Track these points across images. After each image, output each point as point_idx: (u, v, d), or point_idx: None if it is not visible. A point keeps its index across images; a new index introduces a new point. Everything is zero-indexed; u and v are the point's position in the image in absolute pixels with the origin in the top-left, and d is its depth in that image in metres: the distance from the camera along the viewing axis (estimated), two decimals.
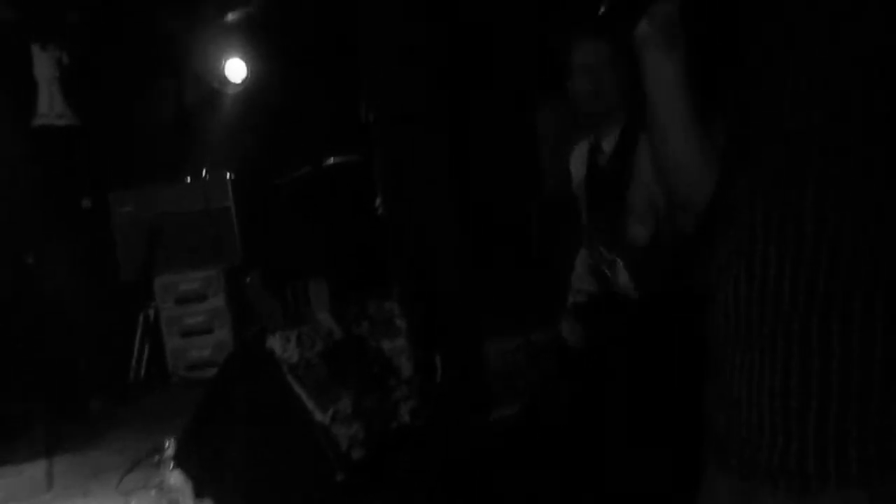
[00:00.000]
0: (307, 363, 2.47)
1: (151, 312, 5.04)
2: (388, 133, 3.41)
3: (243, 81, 6.00)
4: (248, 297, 5.27)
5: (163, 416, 4.33)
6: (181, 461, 2.53)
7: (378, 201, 3.48)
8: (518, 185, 5.44)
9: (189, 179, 5.30)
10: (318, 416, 2.38)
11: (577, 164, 2.43)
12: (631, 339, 2.14)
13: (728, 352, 1.06)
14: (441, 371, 3.08)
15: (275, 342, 2.49)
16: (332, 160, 4.75)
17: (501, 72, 5.23)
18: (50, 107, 5.30)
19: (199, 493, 2.53)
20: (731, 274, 1.06)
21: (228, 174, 5.31)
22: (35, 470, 3.74)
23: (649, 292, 2.20)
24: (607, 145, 2.26)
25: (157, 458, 2.92)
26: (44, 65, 5.37)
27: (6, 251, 4.81)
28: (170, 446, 2.73)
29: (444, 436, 2.91)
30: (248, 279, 5.32)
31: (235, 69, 6.00)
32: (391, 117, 3.42)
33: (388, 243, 3.39)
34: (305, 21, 5.72)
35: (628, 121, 2.17)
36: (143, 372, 5.00)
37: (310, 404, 2.38)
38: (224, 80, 6.00)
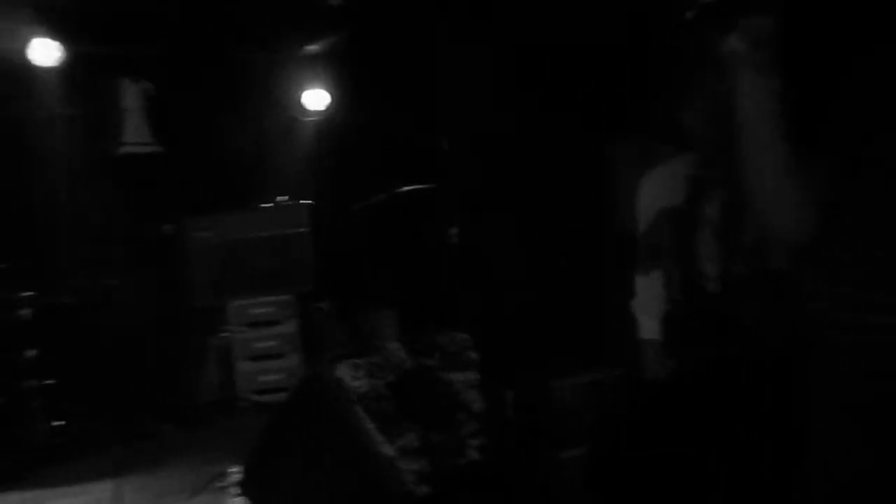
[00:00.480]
0: (376, 393, 2.41)
1: (223, 336, 5.09)
2: (464, 161, 3.37)
3: (322, 110, 6.09)
4: (319, 324, 5.29)
5: (231, 439, 4.34)
6: (246, 488, 2.49)
7: (452, 231, 3.43)
8: (590, 217, 5.32)
9: (265, 205, 5.36)
10: (385, 448, 2.31)
11: (660, 192, 2.32)
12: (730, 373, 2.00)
13: None
14: (511, 407, 2.98)
15: (344, 371, 2.44)
16: (406, 188, 4.72)
17: (576, 100, 5.15)
18: (135, 135, 5.48)
19: None
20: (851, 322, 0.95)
21: (305, 200, 5.36)
22: (102, 490, 3.77)
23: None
24: (713, 175, 2.14)
25: (221, 483, 2.91)
26: (131, 95, 5.57)
27: (88, 275, 4.94)
28: (234, 472, 2.70)
29: (513, 474, 2.80)
30: (320, 305, 5.34)
31: (314, 98, 6.10)
32: (467, 145, 3.38)
33: (460, 274, 3.32)
34: (382, 51, 5.78)
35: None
36: (213, 395, 5.05)
37: (377, 436, 2.32)
38: (303, 109, 6.10)
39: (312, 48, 6.18)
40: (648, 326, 2.39)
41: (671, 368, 2.30)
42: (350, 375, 2.43)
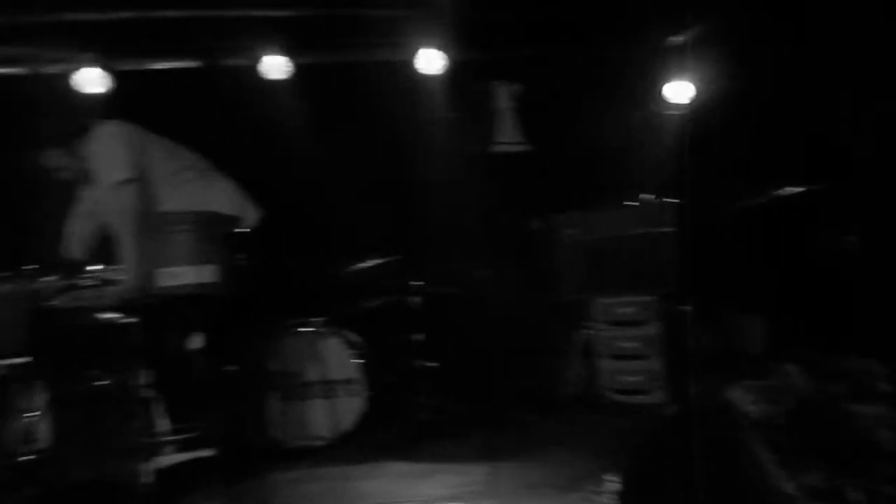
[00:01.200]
0: (772, 421, 2.22)
1: (587, 333, 5.15)
2: (868, 162, 2.97)
3: (687, 104, 5.86)
4: (682, 328, 5.10)
5: (594, 438, 4.37)
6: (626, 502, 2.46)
7: (849, 239, 3.05)
8: None
9: (631, 203, 5.30)
10: (784, 485, 2.11)
11: None
12: None
13: None
14: None
15: (737, 392, 2.28)
16: (791, 189, 4.35)
17: None
18: (506, 134, 5.77)
19: None
20: None
21: (671, 199, 5.20)
22: (477, 472, 3.96)
23: None
24: None
25: (598, 487, 2.91)
26: (501, 97, 5.88)
27: (462, 266, 5.32)
28: (613, 480, 2.68)
29: None
30: (684, 308, 5.14)
31: (678, 91, 5.89)
32: (869, 143, 2.98)
33: (860, 288, 2.94)
34: (751, 39, 5.41)
35: None
36: (574, 390, 5.14)
37: (774, 470, 2.13)
38: (667, 103, 5.93)
39: (677, 38, 5.97)
40: None
41: None
42: (743, 398, 2.27)
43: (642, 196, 5.28)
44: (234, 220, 3.81)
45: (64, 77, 5.14)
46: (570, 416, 4.92)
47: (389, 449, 4.34)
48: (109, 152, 3.87)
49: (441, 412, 4.78)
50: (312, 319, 4.58)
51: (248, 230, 3.95)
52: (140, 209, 3.79)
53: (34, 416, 3.95)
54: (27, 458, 3.90)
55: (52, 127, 4.09)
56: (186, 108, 5.00)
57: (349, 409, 4.48)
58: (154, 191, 3.92)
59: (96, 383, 3.91)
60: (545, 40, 5.77)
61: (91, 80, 5.16)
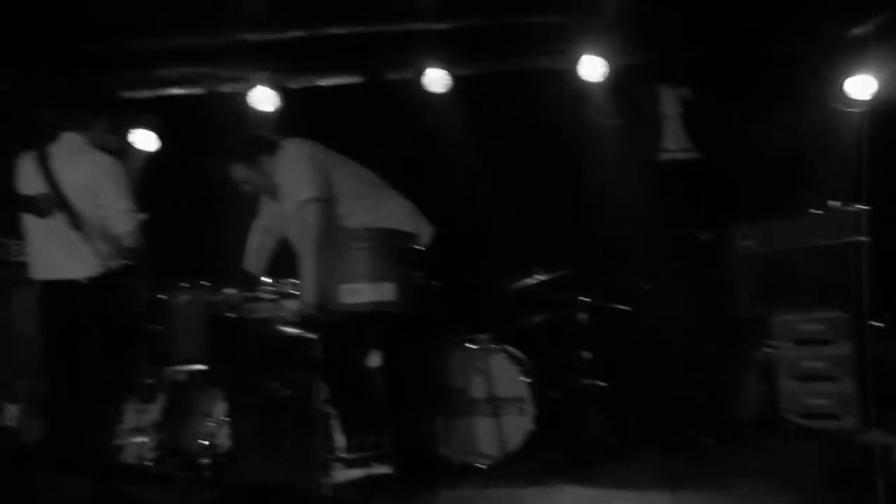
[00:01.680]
0: None
1: (766, 352, 4.80)
2: None
3: (870, 99, 5.42)
4: (876, 345, 4.68)
5: (779, 466, 4.07)
6: None
7: None
8: None
9: (815, 211, 4.90)
10: None
11: None
12: None
13: None
14: None
15: None
16: None
17: None
18: (675, 141, 5.51)
19: None
20: None
21: (860, 205, 4.77)
22: (657, 499, 3.76)
23: None
24: None
25: None
26: (669, 102, 5.62)
27: (631, 281, 5.12)
28: None
29: None
30: (878, 324, 4.71)
31: (861, 86, 5.46)
32: None
33: None
34: None
35: None
36: (754, 413, 4.81)
37: None
38: (848, 100, 5.50)
39: (858, 30, 5.53)
40: None
41: None
42: None
43: (830, 203, 4.87)
44: (410, 238, 3.80)
45: (241, 95, 5.34)
46: (750, 441, 4.60)
47: (561, 471, 4.20)
48: (297, 170, 3.97)
49: (612, 434, 4.60)
50: (480, 336, 4.52)
51: (423, 247, 3.93)
52: (323, 227, 3.85)
53: (214, 421, 4.11)
54: (207, 461, 4.06)
55: (235, 144, 4.24)
56: (355, 124, 5.08)
57: (516, 427, 4.38)
58: (336, 209, 3.98)
59: (275, 394, 4.01)
60: (714, 39, 5.48)
61: (266, 98, 5.32)
